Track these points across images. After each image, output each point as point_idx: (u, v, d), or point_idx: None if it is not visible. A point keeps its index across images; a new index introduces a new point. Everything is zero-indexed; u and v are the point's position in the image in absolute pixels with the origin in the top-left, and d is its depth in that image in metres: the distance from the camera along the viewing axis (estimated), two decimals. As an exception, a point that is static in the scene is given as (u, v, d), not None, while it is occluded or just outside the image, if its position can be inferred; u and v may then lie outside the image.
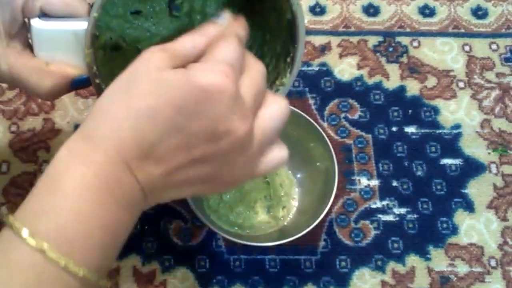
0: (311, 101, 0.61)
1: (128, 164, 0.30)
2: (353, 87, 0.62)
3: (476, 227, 0.56)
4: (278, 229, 0.54)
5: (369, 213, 0.57)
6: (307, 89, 0.62)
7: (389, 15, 0.66)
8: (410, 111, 0.61)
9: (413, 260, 0.55)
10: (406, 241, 0.56)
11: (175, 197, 0.34)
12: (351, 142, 0.60)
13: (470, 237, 0.56)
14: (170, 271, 0.54)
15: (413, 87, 0.62)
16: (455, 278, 0.54)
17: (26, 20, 0.38)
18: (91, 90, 0.60)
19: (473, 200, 0.57)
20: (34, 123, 0.59)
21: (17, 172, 0.57)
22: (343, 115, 0.61)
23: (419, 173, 0.58)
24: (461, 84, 0.63)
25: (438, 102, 0.62)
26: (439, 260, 0.55)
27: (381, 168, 0.58)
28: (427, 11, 0.66)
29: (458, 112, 0.61)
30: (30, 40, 0.39)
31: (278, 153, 0.35)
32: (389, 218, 0.57)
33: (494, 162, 0.59)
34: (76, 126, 0.59)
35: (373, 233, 0.56)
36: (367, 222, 0.56)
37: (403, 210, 0.57)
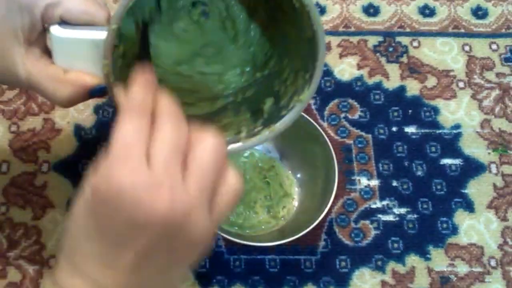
0: (311, 101, 0.61)
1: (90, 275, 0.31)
2: (353, 87, 0.62)
3: (476, 227, 0.56)
4: (278, 229, 0.54)
5: (369, 213, 0.57)
6: (307, 89, 0.62)
7: (389, 15, 0.66)
8: (410, 111, 0.61)
9: (413, 260, 0.55)
10: (406, 241, 0.56)
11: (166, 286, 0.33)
12: (351, 142, 0.60)
13: (470, 237, 0.56)
14: (170, 271, 0.54)
15: (413, 87, 0.62)
16: (455, 278, 0.54)
17: (45, 26, 0.38)
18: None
19: (473, 200, 0.57)
20: (34, 123, 0.59)
21: (17, 172, 0.57)
22: (343, 115, 0.61)
23: (419, 173, 0.58)
24: (461, 84, 0.63)
25: (438, 102, 0.62)
26: (439, 260, 0.55)
27: (381, 168, 0.58)
28: (427, 11, 0.66)
29: (458, 112, 0.61)
30: (49, 47, 0.39)
31: (230, 189, 0.32)
32: (389, 218, 0.57)
33: (494, 162, 0.59)
34: (76, 126, 0.59)
35: (373, 233, 0.56)
36: (367, 222, 0.56)
37: (403, 210, 0.57)
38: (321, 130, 0.53)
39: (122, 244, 0.30)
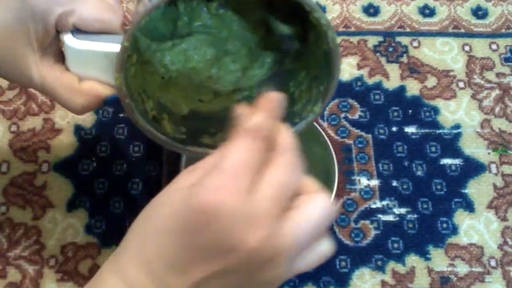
0: (311, 101, 0.61)
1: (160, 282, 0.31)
2: (353, 87, 0.62)
3: (476, 227, 0.56)
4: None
5: (369, 213, 0.57)
6: (307, 89, 0.62)
7: (389, 15, 0.66)
8: (410, 111, 0.61)
9: (413, 260, 0.55)
10: (406, 241, 0.56)
11: None
12: (351, 142, 0.60)
13: (470, 237, 0.56)
14: (170, 271, 0.54)
15: (413, 87, 0.62)
16: (455, 278, 0.54)
17: (59, 31, 0.38)
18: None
19: (473, 200, 0.57)
20: (34, 123, 0.59)
21: (17, 172, 0.57)
22: (343, 115, 0.61)
23: (419, 173, 0.58)
24: (461, 84, 0.63)
25: (438, 102, 0.62)
26: (439, 260, 0.55)
27: (381, 168, 0.58)
28: (427, 11, 0.66)
29: (458, 112, 0.61)
30: (63, 51, 0.39)
31: (320, 253, 0.31)
32: (389, 218, 0.57)
33: (494, 162, 0.59)
34: (76, 126, 0.59)
35: (373, 233, 0.56)
36: (367, 222, 0.56)
37: (403, 210, 0.57)
38: (321, 130, 0.53)
39: (199, 259, 0.30)
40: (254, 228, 0.28)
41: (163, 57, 0.44)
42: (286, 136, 0.32)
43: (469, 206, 0.57)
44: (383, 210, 0.57)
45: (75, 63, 0.38)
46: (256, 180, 0.29)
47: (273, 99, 0.33)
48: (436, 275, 0.54)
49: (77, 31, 0.37)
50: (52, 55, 0.39)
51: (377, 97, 0.62)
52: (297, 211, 0.30)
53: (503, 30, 0.66)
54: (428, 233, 0.56)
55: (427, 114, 0.61)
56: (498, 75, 0.63)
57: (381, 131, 0.60)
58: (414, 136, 0.60)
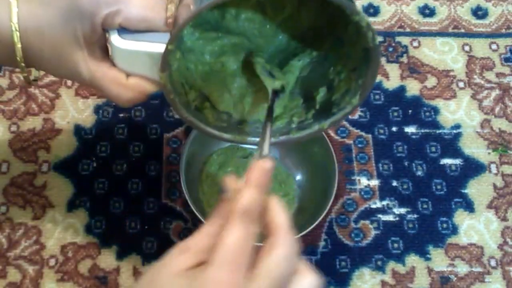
0: (311, 101, 0.61)
1: None
2: (353, 87, 0.62)
3: (476, 227, 0.56)
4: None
5: (369, 213, 0.57)
6: (307, 89, 0.62)
7: (389, 15, 0.66)
8: (410, 111, 0.61)
9: (413, 260, 0.55)
10: (406, 241, 0.56)
11: None
12: (351, 142, 0.60)
13: (470, 237, 0.56)
14: (170, 271, 0.54)
15: (413, 87, 0.62)
16: (455, 278, 0.54)
17: (105, 29, 0.39)
18: (91, 91, 0.60)
19: (473, 200, 0.57)
20: (34, 123, 0.59)
21: (17, 172, 0.57)
22: (343, 115, 0.61)
23: (419, 173, 0.58)
24: (461, 84, 0.63)
25: (438, 102, 0.62)
26: (439, 260, 0.55)
27: (381, 168, 0.58)
28: (427, 11, 0.66)
29: (458, 112, 0.61)
30: (109, 48, 0.40)
31: None
32: (389, 218, 0.57)
33: (494, 162, 0.59)
34: (76, 126, 0.59)
35: (373, 233, 0.56)
36: (367, 222, 0.56)
37: (403, 210, 0.57)
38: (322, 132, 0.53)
39: None
40: None
41: (205, 46, 0.44)
42: (278, 213, 0.33)
43: (469, 206, 0.57)
44: (383, 210, 0.57)
45: (122, 61, 0.40)
46: (254, 269, 0.30)
47: (262, 170, 0.32)
48: (436, 275, 0.54)
49: (123, 30, 0.38)
50: (99, 51, 0.40)
51: (377, 97, 0.62)
52: None
53: (503, 30, 0.66)
54: (428, 233, 0.56)
55: (427, 114, 0.61)
56: (498, 75, 0.63)
57: (381, 131, 0.60)
58: (414, 136, 0.60)
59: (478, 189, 0.58)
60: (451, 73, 0.63)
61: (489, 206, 0.57)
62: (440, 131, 0.60)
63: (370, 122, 0.60)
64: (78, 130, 0.59)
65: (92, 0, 0.36)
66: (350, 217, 0.56)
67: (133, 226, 0.55)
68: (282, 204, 0.33)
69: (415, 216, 0.57)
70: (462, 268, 0.55)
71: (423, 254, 0.55)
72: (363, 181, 0.58)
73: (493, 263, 0.55)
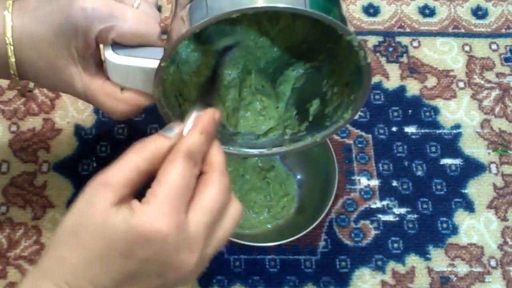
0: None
1: None
2: (353, 87, 0.62)
3: (476, 227, 0.56)
4: (278, 229, 0.54)
5: (369, 213, 0.57)
6: (307, 89, 0.62)
7: (389, 15, 0.66)
8: (410, 111, 0.61)
9: (413, 260, 0.55)
10: (406, 241, 0.55)
11: None
12: (351, 142, 0.60)
13: (470, 237, 0.56)
14: (170, 271, 0.54)
15: (413, 87, 0.62)
16: (455, 278, 0.54)
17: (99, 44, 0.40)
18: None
19: (473, 200, 0.57)
20: (34, 123, 0.59)
21: (17, 172, 0.57)
22: (343, 115, 0.61)
23: (419, 173, 0.58)
24: (461, 84, 0.63)
25: (438, 102, 0.62)
26: (439, 260, 0.55)
27: (381, 168, 0.58)
28: (427, 11, 0.66)
29: (458, 112, 0.61)
30: (103, 62, 0.40)
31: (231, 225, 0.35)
32: (389, 218, 0.56)
33: (494, 162, 0.59)
34: (76, 126, 0.59)
35: (373, 233, 0.56)
36: (367, 222, 0.56)
37: (403, 210, 0.57)
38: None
39: (135, 282, 0.32)
40: (192, 254, 0.32)
41: (201, 58, 0.45)
42: (217, 155, 0.35)
43: (469, 206, 0.57)
44: (383, 210, 0.57)
45: (116, 75, 0.40)
46: (191, 203, 0.33)
47: (206, 116, 0.35)
48: (436, 275, 0.54)
49: (117, 45, 0.39)
50: (93, 65, 0.40)
51: (377, 97, 0.62)
52: (219, 231, 0.34)
53: (503, 30, 0.66)
54: (428, 233, 0.56)
55: (427, 114, 0.61)
56: (498, 75, 0.63)
57: (381, 131, 0.60)
58: (414, 136, 0.60)
59: (478, 189, 0.58)
60: (451, 73, 0.63)
61: (489, 206, 0.57)
62: (440, 131, 0.60)
63: (370, 122, 0.60)
64: (78, 130, 0.59)
65: (86, 16, 0.37)
66: (350, 217, 0.56)
67: (133, 226, 0.55)
68: (221, 148, 0.35)
69: (415, 216, 0.57)
70: (462, 268, 0.55)
71: (423, 254, 0.55)
72: (363, 181, 0.58)
73: (493, 263, 0.55)
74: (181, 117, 0.43)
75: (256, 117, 0.47)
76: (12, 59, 0.39)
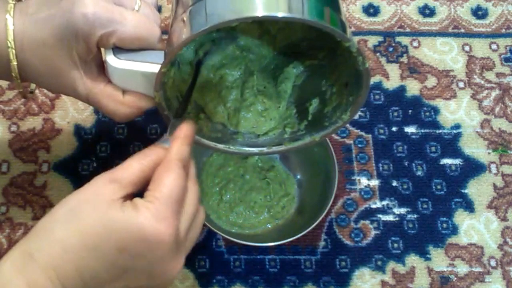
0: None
1: None
2: (353, 87, 0.62)
3: (476, 227, 0.56)
4: (278, 229, 0.54)
5: (369, 213, 0.57)
6: (307, 89, 0.62)
7: (389, 15, 0.66)
8: (410, 111, 0.61)
9: (413, 260, 0.55)
10: (406, 241, 0.55)
11: None
12: (351, 142, 0.60)
13: (470, 237, 0.56)
14: (170, 271, 0.53)
15: (413, 87, 0.62)
16: (455, 278, 0.54)
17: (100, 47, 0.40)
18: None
19: (473, 200, 0.57)
20: (34, 123, 0.59)
21: (17, 172, 0.57)
22: (343, 115, 0.61)
23: (419, 173, 0.58)
24: (461, 84, 0.63)
25: (438, 102, 0.62)
26: (439, 260, 0.55)
27: (381, 168, 0.58)
28: (427, 11, 0.66)
29: (458, 112, 0.61)
30: (105, 66, 0.41)
31: (197, 230, 0.38)
32: (389, 218, 0.56)
33: (494, 162, 0.59)
34: (76, 126, 0.59)
35: (373, 233, 0.56)
36: (367, 222, 0.56)
37: (403, 210, 0.57)
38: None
39: (120, 279, 0.33)
40: (179, 259, 0.35)
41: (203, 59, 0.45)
42: (192, 166, 0.38)
43: (469, 206, 0.57)
44: (383, 210, 0.57)
45: (118, 79, 0.41)
46: (181, 209, 0.35)
47: (188, 129, 0.38)
48: (436, 275, 0.54)
49: (118, 49, 0.39)
50: (95, 68, 0.41)
51: (377, 97, 0.62)
52: (192, 231, 0.37)
53: (503, 30, 0.66)
54: (428, 233, 0.56)
55: (427, 114, 0.61)
56: (498, 75, 0.63)
57: (381, 131, 0.60)
58: (414, 136, 0.60)
59: (478, 189, 0.58)
60: (451, 73, 0.63)
61: (489, 206, 0.57)
62: (440, 131, 0.60)
63: (370, 122, 0.60)
64: (78, 130, 0.59)
65: (87, 21, 0.37)
66: (350, 217, 0.56)
67: (133, 226, 0.55)
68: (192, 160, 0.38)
69: (415, 216, 0.57)
70: (462, 268, 0.55)
71: (423, 254, 0.55)
72: (363, 181, 0.58)
73: (493, 263, 0.55)
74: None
75: (257, 118, 0.47)
76: (14, 62, 0.39)
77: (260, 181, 0.56)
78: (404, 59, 0.64)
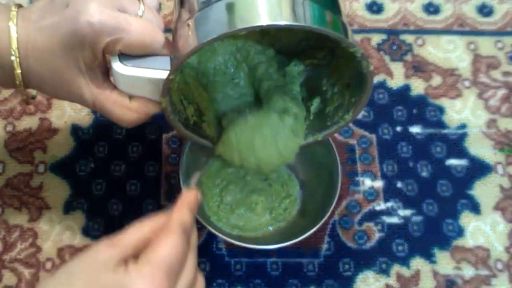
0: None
1: None
2: (356, 86, 0.61)
3: (482, 229, 0.55)
4: (280, 232, 0.53)
5: (373, 215, 0.56)
6: (309, 88, 0.61)
7: (393, 13, 0.65)
8: (414, 110, 0.60)
9: (418, 263, 0.54)
10: (411, 244, 0.54)
11: None
12: (355, 142, 0.59)
13: (476, 239, 0.55)
14: (169, 274, 0.53)
15: (417, 86, 0.61)
16: (461, 282, 0.53)
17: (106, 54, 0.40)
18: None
19: (479, 201, 0.56)
20: (30, 122, 0.58)
21: (13, 173, 0.56)
22: (346, 114, 0.60)
23: (424, 174, 0.57)
24: (467, 83, 0.62)
25: (443, 101, 0.61)
26: (445, 263, 0.54)
27: (385, 169, 0.57)
28: (431, 9, 0.65)
29: (463, 112, 0.60)
30: (110, 72, 0.41)
31: None
32: (394, 220, 0.55)
33: (500, 163, 0.58)
34: (73, 126, 0.58)
35: (377, 235, 0.55)
36: (371, 224, 0.55)
37: (407, 212, 0.56)
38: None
39: None
40: None
41: (205, 64, 0.47)
42: (194, 237, 0.38)
43: (475, 208, 0.56)
44: (387, 212, 0.56)
45: (124, 85, 0.41)
46: (178, 275, 0.34)
47: (193, 196, 0.37)
48: (441, 278, 0.53)
49: (124, 55, 0.39)
50: (100, 75, 0.41)
51: (381, 96, 0.61)
52: None
53: (509, 28, 0.65)
54: (434, 235, 0.55)
55: (432, 113, 0.60)
56: (504, 73, 0.62)
57: (385, 131, 0.59)
58: (419, 136, 0.59)
59: (484, 190, 0.57)
60: (456, 72, 0.62)
61: (496, 208, 0.56)
62: (446, 131, 0.59)
63: (374, 122, 0.59)
64: (75, 130, 0.58)
65: (93, 29, 0.36)
66: (353, 219, 0.55)
67: (132, 228, 0.54)
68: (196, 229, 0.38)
69: (420, 218, 0.56)
70: (468, 271, 0.54)
71: (428, 257, 0.54)
72: (367, 182, 0.57)
73: (499, 266, 0.54)
74: (186, 120, 0.45)
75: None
76: (18, 70, 0.39)
77: (262, 182, 0.55)
78: (409, 57, 0.62)
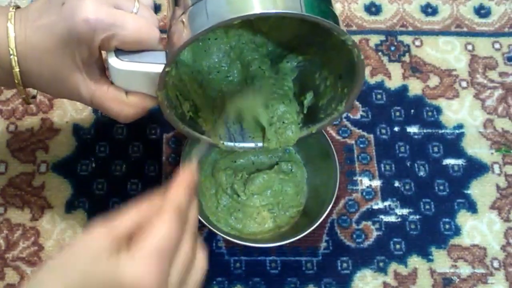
0: (312, 101, 0.61)
1: None
2: (355, 87, 0.62)
3: (479, 228, 0.56)
4: (279, 231, 0.53)
5: (371, 214, 0.56)
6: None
7: (391, 14, 0.65)
8: (412, 110, 0.60)
9: (415, 261, 0.54)
10: (408, 242, 0.55)
11: None
12: (353, 142, 0.59)
13: (473, 238, 0.55)
14: (169, 272, 0.53)
15: (415, 87, 0.62)
16: (458, 280, 0.54)
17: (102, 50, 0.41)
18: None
19: (476, 200, 0.57)
20: (32, 122, 0.59)
21: (15, 172, 0.56)
22: (344, 114, 0.60)
23: (421, 173, 0.58)
24: (464, 84, 0.62)
25: (441, 102, 0.61)
26: (442, 261, 0.54)
27: (383, 169, 0.58)
28: (429, 10, 0.66)
29: (460, 112, 0.61)
30: (107, 68, 0.41)
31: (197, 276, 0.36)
32: (391, 219, 0.56)
33: (497, 163, 0.58)
34: (75, 126, 0.59)
35: (375, 234, 0.55)
36: (369, 223, 0.56)
37: (405, 211, 0.56)
38: (322, 130, 0.53)
39: None
40: None
41: (200, 61, 0.47)
42: (194, 216, 0.36)
43: (472, 207, 0.57)
44: (385, 211, 0.56)
45: (120, 80, 0.41)
46: (172, 261, 0.33)
47: (189, 174, 0.36)
48: (438, 276, 0.54)
49: (120, 51, 0.40)
50: (97, 71, 0.41)
51: (379, 96, 0.61)
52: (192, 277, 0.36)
53: (506, 29, 0.65)
54: (431, 234, 0.55)
55: (430, 114, 0.60)
56: (501, 74, 0.63)
57: (383, 131, 0.60)
58: (416, 136, 0.59)
59: (481, 190, 0.57)
60: (454, 73, 0.62)
61: (492, 207, 0.57)
62: (443, 131, 0.60)
63: (372, 122, 0.60)
64: (77, 130, 0.58)
65: (89, 26, 0.37)
66: (351, 218, 0.56)
67: (133, 227, 0.54)
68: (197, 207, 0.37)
69: (417, 217, 0.56)
70: (465, 270, 0.54)
71: (426, 255, 0.55)
72: (365, 182, 0.57)
73: (496, 264, 0.54)
74: (183, 116, 0.45)
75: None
76: (17, 69, 0.39)
77: (264, 187, 0.55)
78: (406, 58, 0.63)
